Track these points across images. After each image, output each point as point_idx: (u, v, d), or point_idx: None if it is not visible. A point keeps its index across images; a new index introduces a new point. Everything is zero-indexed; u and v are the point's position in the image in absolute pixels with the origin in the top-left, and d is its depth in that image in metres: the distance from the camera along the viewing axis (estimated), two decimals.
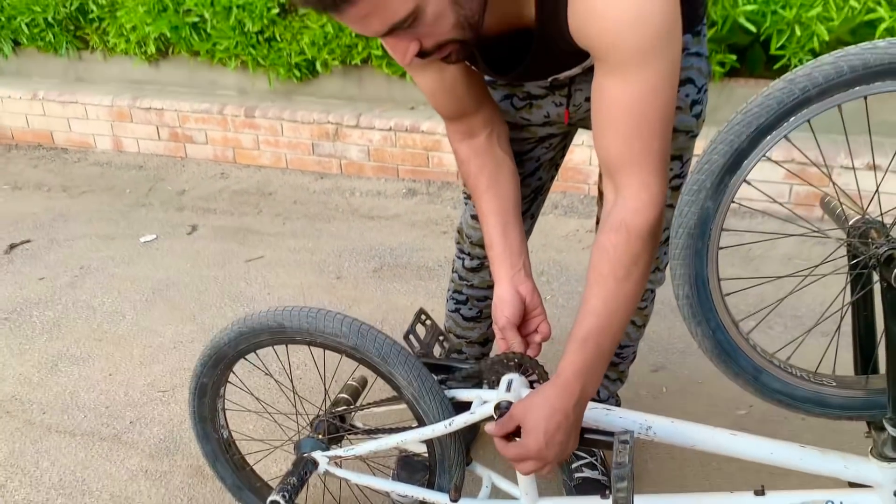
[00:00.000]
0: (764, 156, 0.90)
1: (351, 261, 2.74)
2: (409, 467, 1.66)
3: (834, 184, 1.09)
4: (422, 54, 0.95)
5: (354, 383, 1.47)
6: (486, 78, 1.24)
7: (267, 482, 1.55)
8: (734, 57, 2.85)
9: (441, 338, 1.34)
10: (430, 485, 1.35)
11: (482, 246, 1.35)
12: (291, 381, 1.73)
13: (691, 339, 1.04)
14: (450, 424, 1.20)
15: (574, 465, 1.64)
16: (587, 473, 1.62)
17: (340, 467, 1.38)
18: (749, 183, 0.94)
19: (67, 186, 3.61)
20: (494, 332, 1.24)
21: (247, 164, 3.72)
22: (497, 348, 1.24)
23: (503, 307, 1.20)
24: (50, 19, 3.90)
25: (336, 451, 1.35)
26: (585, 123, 1.31)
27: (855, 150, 2.67)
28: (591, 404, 1.11)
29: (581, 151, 3.05)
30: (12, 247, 2.96)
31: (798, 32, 2.65)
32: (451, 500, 1.25)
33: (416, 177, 3.40)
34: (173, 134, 3.81)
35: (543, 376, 1.18)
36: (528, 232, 1.47)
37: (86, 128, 3.98)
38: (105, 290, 2.59)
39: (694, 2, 1.14)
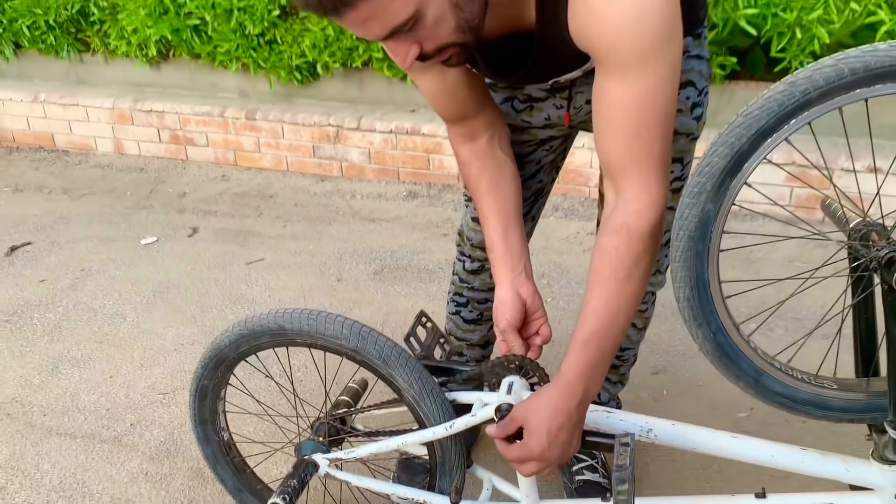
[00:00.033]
0: (764, 158, 0.90)
1: (352, 263, 2.74)
2: (409, 470, 1.66)
3: (835, 186, 1.09)
4: (422, 58, 0.95)
5: (355, 386, 1.47)
6: (487, 80, 1.24)
7: (267, 484, 1.55)
8: (735, 59, 2.85)
9: (442, 340, 1.33)
10: (430, 487, 1.35)
11: (483, 248, 1.35)
12: (292, 384, 1.73)
13: (692, 341, 1.04)
14: (450, 427, 1.20)
15: (575, 468, 1.64)
16: (588, 476, 1.62)
17: (341, 470, 1.38)
18: (750, 185, 0.94)
19: (68, 189, 3.61)
20: (495, 334, 1.24)
21: (248, 166, 3.72)
22: (498, 351, 1.24)
23: (504, 309, 1.20)
24: (51, 22, 3.90)
25: (336, 454, 1.35)
26: (586, 126, 1.32)
27: (856, 153, 2.67)
28: (591, 407, 1.11)
29: (582, 154, 3.05)
30: (13, 249, 2.96)
31: (799, 35, 2.65)
32: (452, 503, 1.25)
33: (417, 179, 3.40)
34: (174, 136, 3.81)
35: (544, 379, 1.18)
36: (528, 234, 1.47)
37: (87, 130, 3.99)
38: (106, 292, 2.60)
39: (694, 4, 1.15)
